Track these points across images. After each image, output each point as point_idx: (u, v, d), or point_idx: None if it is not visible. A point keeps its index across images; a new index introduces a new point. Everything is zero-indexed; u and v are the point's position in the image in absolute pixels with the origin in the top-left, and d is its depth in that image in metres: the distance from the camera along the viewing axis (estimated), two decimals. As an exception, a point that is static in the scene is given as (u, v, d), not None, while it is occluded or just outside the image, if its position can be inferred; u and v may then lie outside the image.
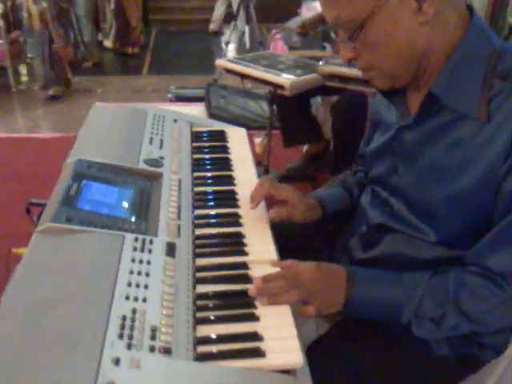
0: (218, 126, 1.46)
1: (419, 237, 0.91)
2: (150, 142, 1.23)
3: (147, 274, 0.80)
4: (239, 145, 1.35)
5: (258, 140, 2.79)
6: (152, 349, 0.67)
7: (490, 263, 0.82)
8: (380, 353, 0.95)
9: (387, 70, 0.87)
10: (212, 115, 3.36)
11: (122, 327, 0.69)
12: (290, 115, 2.62)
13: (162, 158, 1.18)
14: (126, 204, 1.00)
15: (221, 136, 1.38)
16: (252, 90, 3.54)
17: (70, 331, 0.68)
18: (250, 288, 0.82)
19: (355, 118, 2.28)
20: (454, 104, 0.84)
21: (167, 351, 0.68)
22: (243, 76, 2.33)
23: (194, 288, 0.82)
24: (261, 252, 0.94)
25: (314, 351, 0.87)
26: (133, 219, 0.95)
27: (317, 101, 2.85)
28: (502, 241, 0.81)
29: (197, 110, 3.45)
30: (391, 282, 0.88)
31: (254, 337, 0.73)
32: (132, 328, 0.69)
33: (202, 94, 3.65)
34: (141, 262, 0.83)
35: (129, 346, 0.67)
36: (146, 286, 0.78)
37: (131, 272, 0.80)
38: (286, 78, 2.11)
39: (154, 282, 0.79)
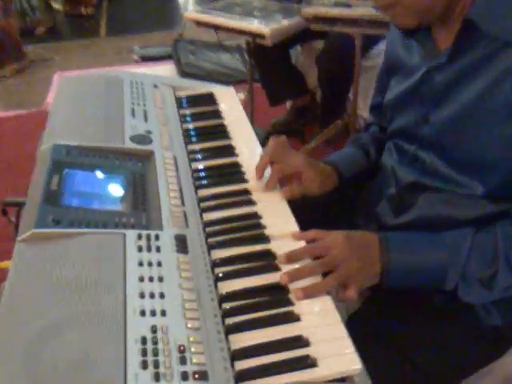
0: (203, 87, 1.30)
1: (461, 192, 0.80)
2: (133, 115, 1.08)
3: (160, 279, 0.67)
4: (232, 107, 1.20)
5: (239, 96, 2.62)
6: (185, 376, 0.55)
7: None
8: (421, 327, 0.86)
9: (416, 3, 0.73)
10: (183, 73, 3.16)
11: (144, 353, 0.57)
12: (270, 69, 2.45)
13: (149, 132, 1.03)
14: (118, 193, 0.86)
15: (209, 99, 1.23)
16: (223, 43, 3.33)
17: (79, 367, 0.55)
18: (280, 276, 0.71)
19: (342, 66, 2.13)
20: (496, 30, 0.72)
21: (203, 376, 0.56)
22: (216, 27, 2.13)
23: (216, 288, 0.70)
24: (280, 226, 0.82)
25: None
26: (130, 211, 0.81)
27: (296, 50, 2.67)
28: None
29: (166, 70, 3.23)
30: (431, 244, 0.77)
31: (300, 342, 0.62)
32: (156, 353, 0.57)
33: (169, 52, 3.42)
34: (150, 264, 0.69)
35: (157, 378, 0.54)
36: (161, 295, 0.65)
37: (141, 279, 0.67)
38: (265, 26, 1.94)
39: (170, 288, 0.66)
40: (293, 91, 2.59)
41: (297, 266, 0.73)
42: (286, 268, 0.73)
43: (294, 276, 0.71)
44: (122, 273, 0.67)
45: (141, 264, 0.69)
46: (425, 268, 0.75)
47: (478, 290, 0.74)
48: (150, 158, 0.96)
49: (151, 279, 0.67)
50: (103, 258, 0.70)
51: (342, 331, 0.64)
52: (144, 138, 1.00)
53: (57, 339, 0.58)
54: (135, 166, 0.93)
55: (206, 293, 0.68)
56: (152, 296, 0.64)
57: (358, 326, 0.83)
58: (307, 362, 0.59)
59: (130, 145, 0.97)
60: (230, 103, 1.22)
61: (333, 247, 0.73)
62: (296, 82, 2.58)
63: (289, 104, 2.70)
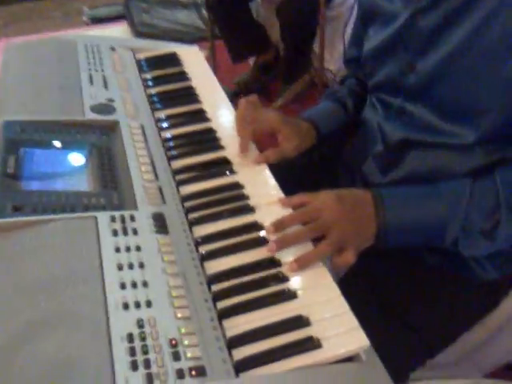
0: (164, 47, 1.19)
1: (452, 143, 0.75)
2: (91, 82, 0.98)
3: (141, 266, 0.61)
4: (198, 67, 1.11)
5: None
6: (181, 374, 0.50)
7: None
8: (415, 288, 0.83)
9: None
10: (138, 33, 2.98)
11: (132, 352, 0.51)
12: (230, 24, 2.32)
13: (111, 100, 0.94)
14: (84, 171, 0.78)
15: (173, 60, 1.13)
16: (176, -1, 3.16)
17: (58, 376, 0.49)
18: (268, 245, 0.66)
19: (304, 17, 2.03)
20: None
21: (201, 372, 0.51)
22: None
23: (203, 269, 0.64)
24: (263, 194, 0.76)
25: None
26: (99, 191, 0.74)
27: (256, 2, 2.54)
28: None
29: (119, 31, 3.05)
30: (428, 197, 0.72)
31: (300, 322, 0.57)
32: (145, 350, 0.51)
33: (121, 12, 3.22)
34: (128, 249, 0.63)
35: (149, 380, 0.49)
36: (144, 284, 0.59)
37: (120, 267, 0.60)
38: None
39: (153, 275, 0.60)
40: (255, 46, 2.48)
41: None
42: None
43: (282, 243, 0.66)
44: (98, 262, 0.60)
45: (118, 250, 0.62)
46: (423, 223, 0.71)
47: (479, 242, 0.70)
48: (114, 129, 0.88)
49: (131, 266, 0.60)
50: (74, 246, 0.62)
51: (343, 306, 0.59)
52: (106, 108, 0.91)
53: (29, 346, 0.51)
54: (99, 140, 0.85)
55: (193, 276, 0.62)
56: (134, 285, 0.58)
57: (349, 292, 0.80)
58: (311, 344, 0.55)
59: (91, 116, 0.88)
60: (196, 63, 1.13)
61: (323, 209, 0.68)
62: (258, 36, 2.47)
63: (252, 61, 2.59)
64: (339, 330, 0.57)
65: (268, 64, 2.52)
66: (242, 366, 0.53)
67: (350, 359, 0.56)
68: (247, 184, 0.78)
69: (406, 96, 0.80)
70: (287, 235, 0.66)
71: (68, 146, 0.81)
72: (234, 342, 0.55)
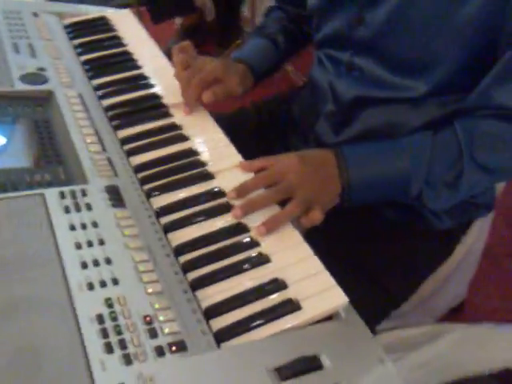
0: (92, 11, 1.11)
1: (405, 96, 0.74)
2: (17, 51, 0.89)
3: (101, 242, 0.56)
4: (132, 31, 1.04)
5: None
6: (160, 351, 0.47)
7: (502, 100, 0.68)
8: (374, 242, 0.83)
9: None
10: None
11: (105, 334, 0.47)
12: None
13: (41, 69, 0.86)
14: (21, 146, 0.71)
15: (104, 25, 1.05)
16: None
17: (26, 363, 0.44)
18: (232, 211, 0.63)
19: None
20: None
21: (181, 346, 0.48)
22: None
23: (167, 240, 0.61)
24: (222, 160, 0.73)
25: None
26: (43, 166, 0.67)
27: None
28: None
29: None
30: (389, 152, 0.72)
31: (276, 285, 0.56)
32: (118, 330, 0.48)
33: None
34: (84, 226, 0.58)
35: (127, 361, 0.45)
36: (107, 261, 0.54)
37: (78, 246, 0.55)
38: None
39: (115, 251, 0.56)
40: (176, 7, 2.39)
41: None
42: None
43: (248, 208, 0.63)
44: (53, 242, 0.55)
45: (72, 228, 0.57)
46: (387, 179, 0.71)
47: (443, 194, 0.71)
48: (50, 100, 0.80)
49: (90, 244, 0.56)
50: (23, 227, 0.57)
51: (317, 266, 0.58)
52: (37, 77, 0.83)
53: (-12, 337, 0.46)
54: (34, 112, 0.78)
55: (159, 249, 0.58)
56: (96, 264, 0.54)
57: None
58: (290, 307, 0.53)
59: (21, 86, 0.80)
60: (130, 27, 1.05)
61: (287, 171, 0.66)
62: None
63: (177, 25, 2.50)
64: (316, 289, 0.55)
65: (193, 27, 2.45)
66: (222, 336, 0.50)
67: (329, 318, 0.55)
68: (202, 150, 0.74)
69: (355, 50, 0.78)
70: (252, 199, 0.64)
71: (0, 121, 0.74)
72: (211, 313, 0.52)
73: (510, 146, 0.70)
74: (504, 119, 0.69)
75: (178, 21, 2.50)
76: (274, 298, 0.54)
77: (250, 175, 0.69)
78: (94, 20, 1.06)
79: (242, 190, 0.66)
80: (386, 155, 0.71)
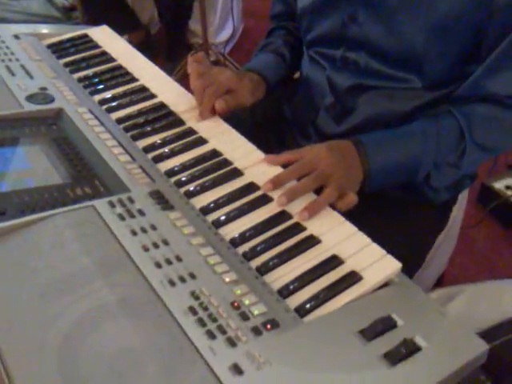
0: (70, 30, 1.11)
1: (401, 86, 0.82)
2: (12, 73, 0.89)
3: (165, 243, 0.58)
4: (117, 46, 1.06)
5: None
6: (257, 331, 0.50)
7: (494, 88, 0.76)
8: (382, 219, 0.89)
9: None
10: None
11: (202, 323, 0.50)
12: (96, 6, 2.21)
13: (44, 89, 0.86)
14: (50, 165, 0.71)
15: (87, 42, 1.06)
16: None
17: (132, 364, 0.46)
18: (277, 200, 0.67)
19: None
20: None
21: (274, 324, 0.51)
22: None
23: (217, 234, 0.63)
24: (246, 157, 0.76)
25: None
26: (79, 181, 0.68)
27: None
28: (504, 62, 0.75)
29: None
30: (402, 138, 0.78)
31: (335, 262, 0.60)
32: (214, 318, 0.50)
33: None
34: (144, 230, 0.60)
35: (231, 343, 0.48)
36: (178, 259, 0.57)
37: (145, 248, 0.57)
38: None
39: (182, 249, 0.58)
40: (123, 27, 2.39)
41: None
42: (277, 195, 0.68)
43: (291, 195, 0.67)
44: (120, 248, 0.57)
45: (134, 233, 0.59)
46: (402, 164, 0.77)
47: (448, 173, 0.78)
48: (61, 118, 0.81)
49: (156, 245, 0.58)
50: (87, 238, 0.58)
51: (364, 239, 0.63)
52: (43, 96, 0.83)
53: (90, 340, 0.47)
54: (51, 131, 0.78)
55: (218, 242, 0.61)
56: (169, 262, 0.56)
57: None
58: (354, 278, 0.58)
59: (31, 107, 0.81)
60: (113, 42, 1.07)
61: (319, 161, 0.71)
62: (125, 15, 2.38)
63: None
64: (370, 260, 0.60)
65: (141, 43, 2.45)
66: (302, 312, 0.54)
67: (385, 285, 0.60)
68: (225, 150, 0.77)
69: (347, 46, 0.84)
70: (294, 187, 0.68)
71: (19, 143, 0.73)
72: (284, 293, 0.56)
73: (503, 126, 0.79)
74: (498, 104, 0.77)
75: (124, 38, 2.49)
76: (337, 273, 0.59)
77: (276, 168, 0.73)
78: (76, 38, 1.06)
79: (277, 181, 0.69)
80: (399, 141, 0.77)
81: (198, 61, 0.86)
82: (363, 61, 0.83)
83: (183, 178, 0.72)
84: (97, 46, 1.04)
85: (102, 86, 0.91)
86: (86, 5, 2.17)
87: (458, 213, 1.10)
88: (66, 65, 0.97)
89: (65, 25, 1.19)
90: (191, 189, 0.70)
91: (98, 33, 1.09)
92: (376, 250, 0.62)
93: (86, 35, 1.08)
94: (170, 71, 2.23)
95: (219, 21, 2.38)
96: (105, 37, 1.08)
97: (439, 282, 1.45)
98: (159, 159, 0.75)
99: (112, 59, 1.00)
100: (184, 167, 0.74)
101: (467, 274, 1.57)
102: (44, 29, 1.09)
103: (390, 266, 0.60)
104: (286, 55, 0.99)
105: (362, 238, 0.63)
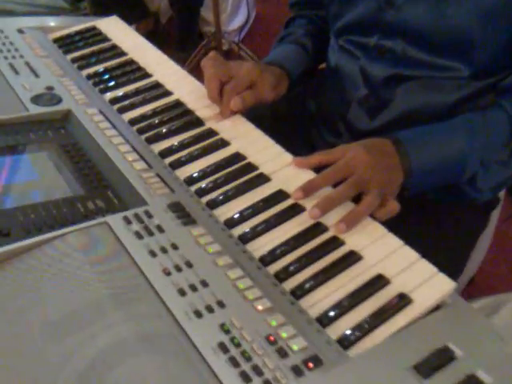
0: (79, 22, 1.04)
1: (444, 75, 0.74)
2: (16, 72, 0.82)
3: (189, 265, 0.52)
4: (129, 38, 0.99)
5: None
6: (298, 371, 0.43)
7: None
8: (417, 223, 0.82)
9: None
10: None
11: (235, 363, 0.43)
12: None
13: (50, 88, 0.79)
14: (58, 174, 0.65)
15: (96, 35, 0.99)
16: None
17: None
18: (309, 212, 0.59)
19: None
20: None
21: (317, 361, 0.44)
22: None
23: (245, 252, 0.57)
24: (272, 160, 0.69)
25: None
26: (92, 193, 0.62)
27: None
28: None
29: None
30: (445, 134, 0.70)
31: (380, 282, 0.53)
32: (247, 356, 0.44)
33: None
34: (164, 250, 0.53)
35: (270, 387, 0.42)
36: (204, 284, 0.50)
37: (167, 272, 0.51)
38: None
39: (207, 272, 0.51)
40: (131, 15, 2.32)
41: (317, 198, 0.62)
42: (310, 204, 0.61)
43: (326, 206, 0.60)
44: (138, 272, 0.51)
45: (153, 254, 0.52)
46: (446, 162, 0.69)
47: (496, 172, 0.71)
48: (70, 121, 0.75)
49: (178, 268, 0.51)
50: (100, 262, 0.51)
51: (412, 254, 0.56)
52: (50, 97, 0.77)
53: (110, 377, 0.41)
54: (58, 135, 0.71)
55: (247, 261, 0.54)
56: (194, 289, 0.49)
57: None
58: (404, 301, 0.51)
59: (37, 109, 0.74)
60: (123, 35, 1.00)
61: (357, 164, 0.63)
62: (134, 4, 2.31)
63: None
64: (420, 279, 0.53)
65: (150, 32, 2.38)
66: (345, 343, 0.47)
67: (436, 307, 0.53)
68: (248, 153, 0.70)
69: (382, 34, 0.76)
70: (329, 197, 0.61)
71: (26, 149, 0.67)
72: (325, 321, 0.49)
73: None
74: None
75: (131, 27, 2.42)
76: (383, 295, 0.52)
77: (307, 173, 0.66)
78: (84, 31, 0.99)
79: (309, 189, 0.62)
80: (443, 138, 0.70)
81: (213, 60, 0.78)
82: (400, 48, 0.75)
83: (204, 186, 0.65)
84: (106, 39, 0.97)
85: (112, 83, 0.84)
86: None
87: (496, 211, 1.02)
88: (74, 60, 0.90)
89: (72, 16, 1.12)
90: (213, 198, 0.63)
91: (107, 24, 1.02)
92: (426, 267, 0.55)
93: (94, 27, 1.01)
94: (182, 62, 2.16)
95: (231, 7, 2.29)
96: (115, 28, 1.01)
97: (470, 282, 1.38)
98: (177, 165, 0.69)
99: (123, 53, 0.93)
100: (205, 174, 0.67)
101: (498, 271, 1.49)
102: (50, 21, 1.02)
103: (443, 285, 0.53)
104: (308, 46, 0.91)
105: (410, 253, 0.56)
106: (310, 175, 0.66)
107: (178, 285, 0.49)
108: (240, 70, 0.78)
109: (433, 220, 0.83)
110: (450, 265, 0.82)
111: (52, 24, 1.01)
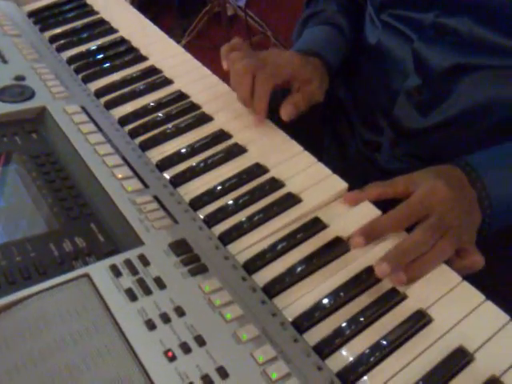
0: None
1: None
2: (-22, 57, 0.66)
3: (201, 342, 0.37)
4: (120, 11, 0.82)
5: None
6: None
7: None
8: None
9: None
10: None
11: None
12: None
13: (20, 78, 0.64)
14: (29, 200, 0.50)
15: (81, 6, 0.82)
16: None
17: None
18: (377, 267, 0.44)
19: None
20: None
21: None
22: None
23: (275, 315, 0.42)
24: (318, 189, 0.53)
25: None
26: (68, 226, 0.47)
27: None
28: None
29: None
30: None
31: (463, 356, 0.39)
32: None
33: None
34: (166, 320, 0.39)
35: None
36: (223, 373, 0.36)
37: (171, 358, 0.36)
38: None
39: (225, 352, 0.37)
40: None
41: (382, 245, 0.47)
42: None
43: (400, 260, 0.44)
44: (132, 361, 0.36)
45: (152, 326, 0.38)
46: None
47: None
48: (44, 121, 0.59)
49: (187, 349, 0.37)
50: (78, 343, 0.37)
51: (501, 315, 0.41)
52: (20, 90, 0.61)
53: None
54: (29, 142, 0.56)
55: (279, 333, 0.40)
56: (209, 382, 0.35)
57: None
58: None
59: (2, 107, 0.58)
60: (114, 7, 0.83)
61: (436, 201, 0.48)
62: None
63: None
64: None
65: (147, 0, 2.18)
66: None
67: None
68: (270, 164, 0.55)
69: (442, 9, 0.59)
70: (402, 248, 0.45)
71: (-15, 164, 0.52)
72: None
73: None
74: None
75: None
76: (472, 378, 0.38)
77: (367, 208, 0.51)
78: (65, 2, 0.82)
79: (371, 234, 0.47)
80: None
81: (237, 49, 0.61)
82: (466, 28, 0.58)
83: (216, 212, 0.50)
84: (93, 12, 0.80)
85: (98, 69, 0.68)
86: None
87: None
88: (52, 40, 0.74)
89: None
90: (227, 229, 0.48)
91: (93, -6, 0.85)
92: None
93: (78, -2, 0.84)
94: (183, 30, 1.97)
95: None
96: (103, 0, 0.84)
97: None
98: (180, 181, 0.53)
99: (112, 30, 0.77)
100: (216, 193, 0.52)
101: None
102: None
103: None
104: (343, 25, 0.73)
105: (497, 314, 0.42)
106: (371, 212, 0.50)
107: (186, 377, 0.35)
108: (277, 58, 0.62)
109: (497, 248, 0.68)
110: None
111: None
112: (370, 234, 0.47)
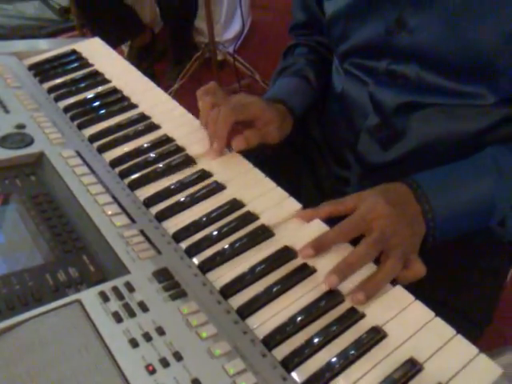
0: (55, 45, 0.95)
1: (466, 103, 0.65)
2: (-18, 108, 0.73)
3: (178, 357, 0.42)
4: (112, 63, 0.89)
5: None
6: None
7: None
8: (447, 268, 0.73)
9: None
10: (-19, 38, 2.53)
11: None
12: (96, 9, 2.04)
13: (21, 127, 0.70)
14: (26, 235, 0.55)
15: (77, 60, 0.90)
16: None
17: None
18: (325, 280, 0.50)
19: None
20: None
21: None
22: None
23: (246, 333, 0.47)
24: (278, 211, 0.60)
25: None
26: (62, 258, 0.52)
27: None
28: None
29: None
30: (468, 176, 0.61)
31: (412, 367, 0.44)
32: None
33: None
34: (148, 338, 0.43)
35: None
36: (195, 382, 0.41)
37: (151, 371, 0.41)
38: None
39: (200, 365, 0.42)
40: (127, 30, 2.22)
41: (331, 256, 0.53)
42: (320, 263, 0.52)
43: (345, 272, 0.50)
44: (118, 375, 0.41)
45: (135, 344, 0.43)
46: (472, 208, 0.60)
47: None
48: (42, 165, 0.65)
49: (165, 363, 0.42)
50: (68, 360, 0.42)
51: (448, 330, 0.47)
52: (20, 138, 0.67)
53: None
54: (28, 184, 0.62)
55: (250, 349, 0.45)
56: (184, 392, 0.40)
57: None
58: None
59: (4, 153, 0.65)
60: (106, 59, 0.90)
61: (376, 217, 0.54)
62: (128, 19, 2.21)
63: (126, 48, 2.32)
64: (459, 364, 0.44)
65: (146, 47, 2.28)
66: None
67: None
68: (246, 198, 0.61)
69: (393, 58, 0.67)
70: (348, 262, 0.51)
71: (-12, 205, 0.58)
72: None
73: None
74: None
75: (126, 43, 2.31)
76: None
77: (318, 224, 0.57)
78: (62, 56, 0.90)
79: (320, 246, 0.53)
80: (465, 180, 0.60)
81: (210, 92, 0.69)
82: (414, 73, 0.65)
83: (196, 244, 0.55)
84: (87, 65, 0.88)
85: (92, 116, 0.75)
86: (80, 6, 2.00)
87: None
88: (51, 90, 0.81)
89: (50, 39, 1.02)
90: (208, 258, 0.54)
91: (88, 47, 0.93)
92: (467, 349, 0.45)
93: (74, 51, 0.91)
94: (177, 73, 2.06)
95: (226, 17, 2.20)
96: (97, 52, 0.92)
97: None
98: (165, 216, 0.59)
99: (105, 81, 0.84)
100: (197, 226, 0.58)
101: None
102: (22, 45, 0.92)
103: (487, 372, 0.44)
104: (311, 78, 0.81)
105: (445, 328, 0.47)
106: (321, 228, 0.56)
107: (164, 388, 0.40)
108: (243, 99, 0.69)
109: (455, 261, 0.74)
110: (476, 312, 0.73)
111: (26, 48, 0.92)
112: (318, 246, 0.53)
